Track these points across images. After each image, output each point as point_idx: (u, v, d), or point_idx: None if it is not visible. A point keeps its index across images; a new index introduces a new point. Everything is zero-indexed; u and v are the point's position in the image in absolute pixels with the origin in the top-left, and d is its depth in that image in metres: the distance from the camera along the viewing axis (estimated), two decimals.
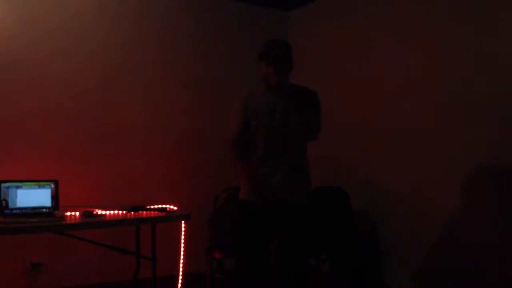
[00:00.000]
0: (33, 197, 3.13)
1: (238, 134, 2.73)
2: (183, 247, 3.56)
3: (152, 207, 3.49)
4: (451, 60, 3.52)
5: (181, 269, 3.57)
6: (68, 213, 3.22)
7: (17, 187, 3.09)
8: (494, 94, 3.25)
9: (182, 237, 3.54)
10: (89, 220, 3.13)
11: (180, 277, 3.58)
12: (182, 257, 3.56)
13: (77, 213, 3.25)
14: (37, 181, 3.17)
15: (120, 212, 3.37)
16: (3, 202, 3.06)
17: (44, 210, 3.14)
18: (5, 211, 3.05)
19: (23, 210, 3.09)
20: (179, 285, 3.59)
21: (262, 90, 2.75)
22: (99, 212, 3.29)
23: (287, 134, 2.65)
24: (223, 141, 2.85)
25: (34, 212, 3.11)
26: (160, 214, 3.40)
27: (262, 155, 2.69)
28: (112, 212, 3.35)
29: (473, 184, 3.35)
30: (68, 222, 3.04)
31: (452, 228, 3.46)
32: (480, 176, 3.32)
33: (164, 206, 3.52)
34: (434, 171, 3.60)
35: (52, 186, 3.18)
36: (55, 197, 3.18)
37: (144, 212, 3.42)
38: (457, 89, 3.46)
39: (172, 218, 3.44)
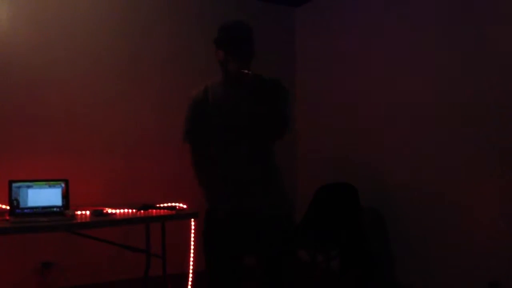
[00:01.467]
0: (44, 196, 3.15)
1: (193, 134, 2.39)
2: (193, 245, 3.57)
3: (161, 205, 3.51)
4: (465, 55, 3.51)
5: (191, 267, 3.59)
6: (79, 212, 3.24)
7: (28, 186, 3.12)
8: (504, 90, 3.24)
9: (192, 235, 3.56)
10: (100, 219, 3.15)
11: (190, 275, 3.60)
12: (192, 254, 3.57)
13: (88, 212, 3.27)
14: (47, 180, 3.19)
15: (130, 210, 3.38)
16: (14, 201, 3.08)
17: (54, 209, 3.16)
18: (16, 210, 3.08)
19: (34, 210, 3.12)
20: (189, 282, 3.61)
21: (221, 81, 2.36)
22: (109, 211, 3.30)
23: (255, 131, 2.27)
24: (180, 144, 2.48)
25: (45, 211, 3.13)
26: (169, 212, 3.42)
27: (227, 156, 2.32)
28: (122, 210, 3.36)
29: (483, 180, 3.34)
30: (79, 221, 3.07)
31: (462, 224, 3.46)
32: (490, 172, 3.30)
33: (173, 204, 3.53)
34: (443, 167, 3.59)
35: (63, 185, 3.20)
36: (65, 196, 3.20)
37: (154, 210, 3.44)
38: (470, 86, 3.44)
39: (181, 216, 3.46)
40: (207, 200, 2.41)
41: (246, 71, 2.20)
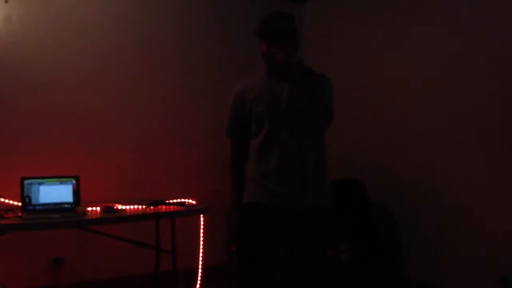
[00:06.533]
0: (55, 193, 3.19)
1: (235, 129, 2.41)
2: (202, 240, 3.60)
3: (171, 201, 3.53)
4: (477, 53, 3.50)
5: (200, 262, 3.62)
6: (89, 208, 3.27)
7: (40, 183, 3.16)
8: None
9: (201, 230, 3.59)
10: (110, 215, 3.18)
11: (200, 270, 3.63)
12: (201, 250, 3.61)
13: (98, 208, 3.29)
14: (58, 177, 3.23)
15: (140, 206, 3.42)
16: (26, 198, 3.12)
17: (66, 205, 3.20)
18: (28, 207, 3.12)
19: (46, 206, 3.16)
20: (199, 277, 3.64)
21: (265, 74, 2.33)
22: (120, 207, 3.34)
23: (298, 121, 2.22)
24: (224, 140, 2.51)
25: (56, 208, 3.17)
26: (179, 208, 3.44)
27: (269, 148, 2.25)
28: (132, 207, 3.40)
29: (494, 174, 3.33)
30: (90, 217, 3.10)
31: (472, 219, 3.45)
32: (502, 166, 3.29)
33: (183, 200, 3.56)
34: (453, 161, 3.58)
35: (74, 182, 3.24)
36: (76, 192, 3.23)
37: (164, 206, 3.47)
38: (481, 82, 3.43)
39: (190, 212, 3.48)
40: (247, 195, 2.34)
41: (295, 59, 2.10)
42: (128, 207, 3.38)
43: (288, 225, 2.23)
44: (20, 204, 3.16)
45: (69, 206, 3.21)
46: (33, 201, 3.14)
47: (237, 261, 2.32)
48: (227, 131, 2.46)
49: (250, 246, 2.28)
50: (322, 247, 2.29)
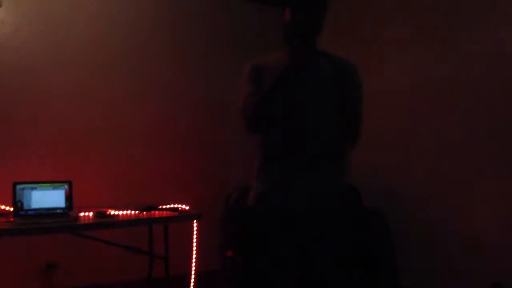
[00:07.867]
0: (48, 198, 3.17)
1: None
2: (195, 246, 3.59)
3: (164, 207, 3.52)
4: (467, 55, 3.51)
5: (193, 268, 3.60)
6: (82, 214, 3.26)
7: (32, 188, 3.14)
8: (504, 91, 3.24)
9: (194, 236, 3.58)
10: (103, 221, 3.17)
11: (193, 276, 3.61)
12: (194, 256, 3.59)
13: (91, 214, 3.29)
14: (51, 182, 3.21)
15: (133, 212, 3.40)
16: (18, 203, 3.10)
17: (58, 211, 3.18)
18: (20, 212, 3.10)
19: (38, 211, 3.13)
20: (192, 283, 3.62)
21: (281, 57, 1.95)
22: (112, 212, 3.32)
23: (318, 116, 1.91)
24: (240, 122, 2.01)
25: (49, 213, 3.15)
26: (172, 214, 3.43)
27: (288, 142, 1.94)
28: (125, 212, 3.38)
29: (487, 181, 3.34)
30: (82, 222, 3.08)
31: (465, 225, 3.45)
32: (494, 173, 3.30)
33: (176, 205, 3.55)
34: (446, 169, 3.59)
35: (66, 187, 3.22)
36: (69, 198, 3.22)
37: (157, 212, 3.46)
38: (471, 87, 3.45)
39: (184, 218, 3.47)
40: (252, 196, 2.03)
41: (315, 48, 1.79)
42: (121, 212, 3.36)
43: (302, 229, 1.96)
44: (12, 209, 3.14)
45: (61, 211, 3.19)
46: (25, 206, 3.11)
47: (242, 270, 2.08)
48: (247, 122, 1.98)
49: (257, 255, 2.01)
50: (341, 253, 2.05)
